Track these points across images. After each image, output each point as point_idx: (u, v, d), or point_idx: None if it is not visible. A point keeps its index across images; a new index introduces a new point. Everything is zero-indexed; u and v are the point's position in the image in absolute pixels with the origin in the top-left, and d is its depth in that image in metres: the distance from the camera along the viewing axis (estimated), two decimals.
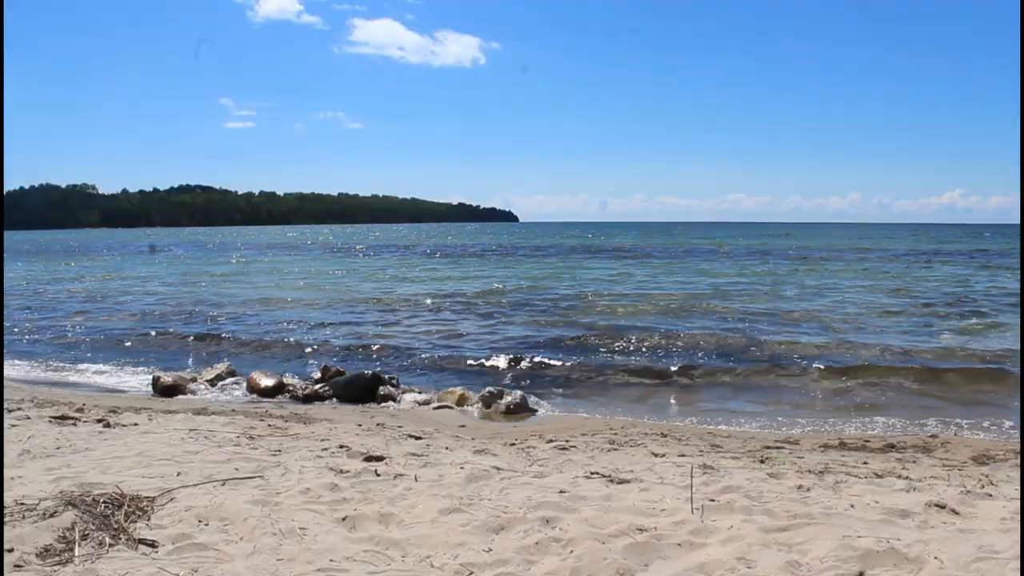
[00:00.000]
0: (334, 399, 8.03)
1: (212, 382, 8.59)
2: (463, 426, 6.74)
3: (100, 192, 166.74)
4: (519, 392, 7.82)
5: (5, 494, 3.52)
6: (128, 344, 11.57)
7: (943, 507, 3.75)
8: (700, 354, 10.13)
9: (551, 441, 5.83)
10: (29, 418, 5.93)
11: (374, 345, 11.01)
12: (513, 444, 5.71)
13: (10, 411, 6.15)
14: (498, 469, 4.49)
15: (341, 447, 5.16)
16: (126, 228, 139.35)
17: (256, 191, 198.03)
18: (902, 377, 8.70)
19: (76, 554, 2.95)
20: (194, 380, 8.57)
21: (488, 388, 7.98)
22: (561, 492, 3.96)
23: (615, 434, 6.18)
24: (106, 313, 15.23)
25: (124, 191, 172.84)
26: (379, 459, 4.73)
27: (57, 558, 2.92)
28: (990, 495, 4.08)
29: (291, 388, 8.25)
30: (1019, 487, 4.28)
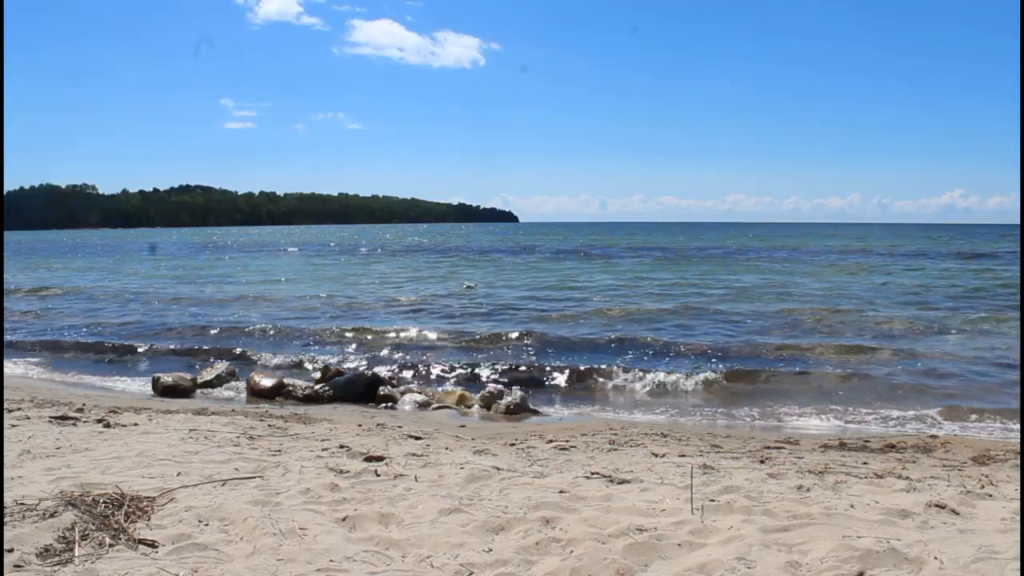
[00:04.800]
0: (334, 399, 8.03)
1: (212, 382, 8.59)
2: (463, 426, 6.74)
3: (100, 192, 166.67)
4: (519, 392, 7.82)
5: (5, 494, 3.52)
6: (128, 344, 11.56)
7: (943, 507, 3.74)
8: (701, 354, 10.13)
9: (551, 441, 5.83)
10: (29, 418, 5.93)
11: (374, 345, 11.01)
12: (513, 444, 5.71)
13: (10, 411, 6.15)
14: (498, 469, 4.49)
15: (341, 447, 5.16)
16: (126, 228, 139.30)
17: (256, 191, 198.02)
18: (903, 377, 8.71)
19: (76, 554, 2.95)
20: (194, 380, 8.57)
21: (488, 388, 7.99)
22: (561, 492, 3.96)
23: (615, 434, 6.18)
24: (105, 313, 15.22)
25: (124, 191, 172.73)
26: (379, 459, 4.73)
27: (57, 558, 2.91)
28: (990, 495, 4.08)
29: (291, 388, 8.25)
30: (1019, 487, 4.28)
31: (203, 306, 16.06)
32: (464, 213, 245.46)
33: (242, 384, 8.60)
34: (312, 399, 8.04)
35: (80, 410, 6.47)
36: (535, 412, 7.54)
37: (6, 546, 2.92)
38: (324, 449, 5.09)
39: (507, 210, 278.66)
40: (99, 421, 5.91)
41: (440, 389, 8.39)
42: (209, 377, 8.66)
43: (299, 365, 9.92)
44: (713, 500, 3.84)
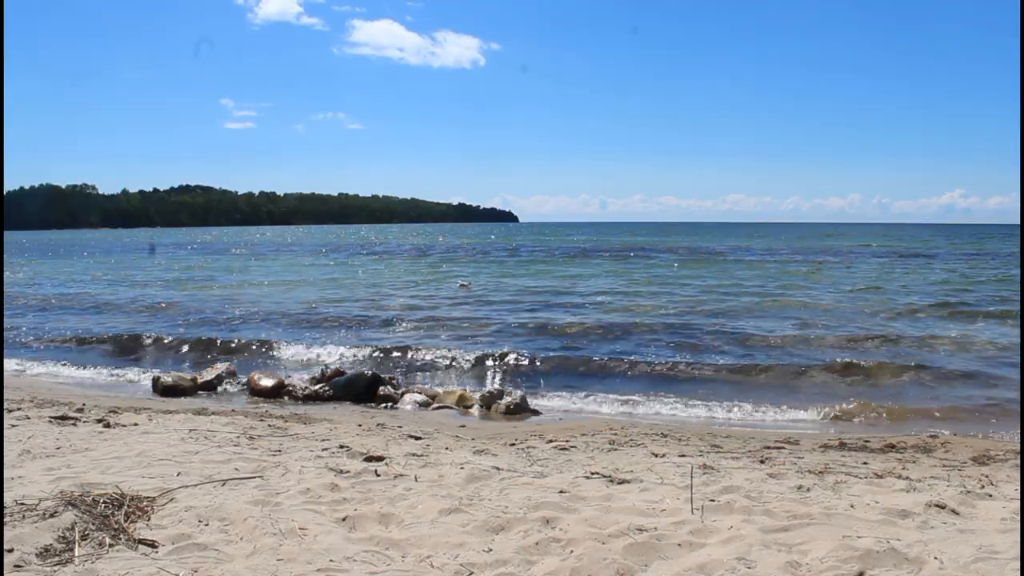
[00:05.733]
0: (334, 399, 8.02)
1: (212, 382, 8.58)
2: (463, 426, 6.74)
3: (100, 192, 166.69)
4: (519, 392, 7.81)
5: (5, 494, 3.52)
6: (128, 345, 11.56)
7: (943, 507, 3.74)
8: (702, 354, 10.13)
9: (551, 441, 5.83)
10: (29, 418, 5.93)
11: (374, 346, 11.00)
12: (513, 444, 5.71)
13: (10, 411, 6.16)
14: (498, 469, 4.49)
15: (341, 447, 5.16)
16: (126, 228, 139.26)
17: (256, 191, 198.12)
18: (903, 376, 8.70)
19: (76, 554, 2.95)
20: (194, 380, 8.56)
21: (488, 388, 7.99)
22: (561, 492, 3.96)
23: (615, 434, 6.18)
24: (106, 314, 15.23)
25: (124, 191, 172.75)
26: (379, 459, 4.74)
27: (57, 558, 2.92)
28: (990, 495, 4.08)
29: (291, 388, 8.25)
30: (1019, 487, 4.28)
31: (203, 307, 16.04)
32: (464, 213, 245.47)
33: (242, 384, 8.59)
34: (312, 399, 8.04)
35: (80, 410, 6.47)
36: (535, 412, 7.54)
37: (6, 546, 2.93)
38: (324, 449, 5.09)
39: (507, 210, 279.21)
40: (99, 421, 5.91)
41: (440, 389, 8.38)
42: (209, 377, 8.65)
43: (299, 365, 9.91)
44: (713, 500, 3.84)
